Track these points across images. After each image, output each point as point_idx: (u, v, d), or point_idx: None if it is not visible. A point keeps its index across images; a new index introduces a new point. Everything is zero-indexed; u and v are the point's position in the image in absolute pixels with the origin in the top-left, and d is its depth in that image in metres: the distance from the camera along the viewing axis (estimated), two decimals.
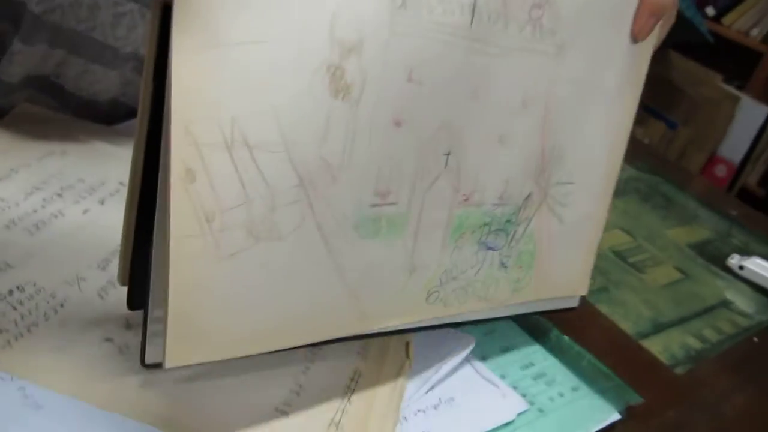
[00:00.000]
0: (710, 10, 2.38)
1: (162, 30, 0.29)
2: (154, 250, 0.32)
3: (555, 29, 0.39)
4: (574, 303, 0.51)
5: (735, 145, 2.28)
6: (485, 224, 0.42)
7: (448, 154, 0.38)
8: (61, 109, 0.59)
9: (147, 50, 0.30)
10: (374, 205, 0.36)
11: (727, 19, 2.34)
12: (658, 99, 2.39)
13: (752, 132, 2.15)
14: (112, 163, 0.54)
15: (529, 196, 0.43)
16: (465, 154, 0.39)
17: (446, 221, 0.40)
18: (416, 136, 0.36)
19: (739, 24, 2.33)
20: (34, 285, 0.40)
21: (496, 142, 0.40)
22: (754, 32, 2.28)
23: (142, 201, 0.34)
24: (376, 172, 0.35)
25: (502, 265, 0.44)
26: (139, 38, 0.55)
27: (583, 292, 0.51)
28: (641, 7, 0.41)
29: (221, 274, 0.32)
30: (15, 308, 0.38)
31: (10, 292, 0.39)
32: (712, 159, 2.37)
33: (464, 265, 0.42)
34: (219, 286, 0.32)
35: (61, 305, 0.39)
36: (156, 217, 0.31)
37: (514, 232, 0.44)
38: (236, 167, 0.31)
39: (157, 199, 0.31)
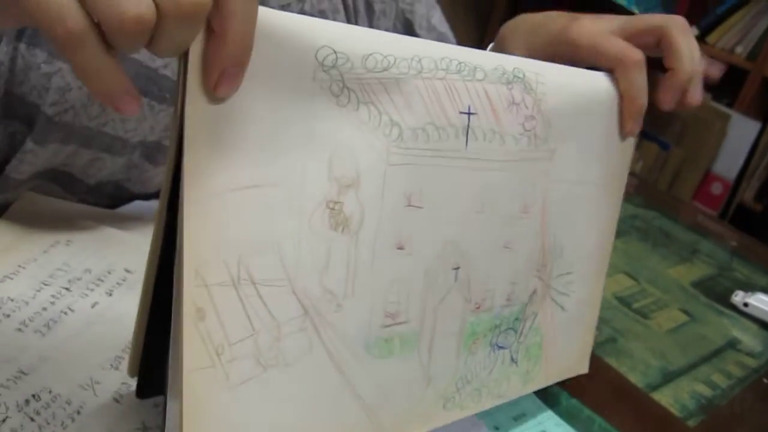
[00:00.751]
0: (694, 31, 2.41)
1: (176, 171, 0.31)
2: (169, 380, 0.33)
3: (547, 137, 0.42)
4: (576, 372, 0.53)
5: (729, 162, 2.30)
6: (495, 326, 0.44)
7: (457, 268, 0.40)
8: (66, 196, 0.60)
9: (162, 187, 0.32)
10: (385, 326, 0.37)
11: (711, 38, 2.38)
12: (650, 121, 2.40)
13: (745, 148, 2.17)
14: (117, 248, 0.55)
15: (534, 292, 0.45)
16: (474, 266, 0.40)
17: (459, 331, 0.42)
18: (421, 257, 0.38)
19: (723, 42, 2.36)
20: (50, 392, 0.40)
21: (501, 248, 0.42)
22: (739, 49, 2.32)
23: (154, 298, 0.36)
24: (383, 295, 0.37)
25: (513, 360, 0.46)
26: (147, 128, 0.56)
27: (584, 370, 0.53)
28: (624, 115, 0.44)
29: (232, 402, 0.33)
30: (33, 419, 0.38)
31: (27, 402, 0.39)
32: (707, 177, 2.38)
33: (478, 369, 0.44)
34: (230, 414, 0.33)
35: (78, 412, 0.39)
36: (171, 347, 0.33)
37: (522, 327, 0.46)
38: (242, 303, 0.32)
39: (171, 332, 0.32)
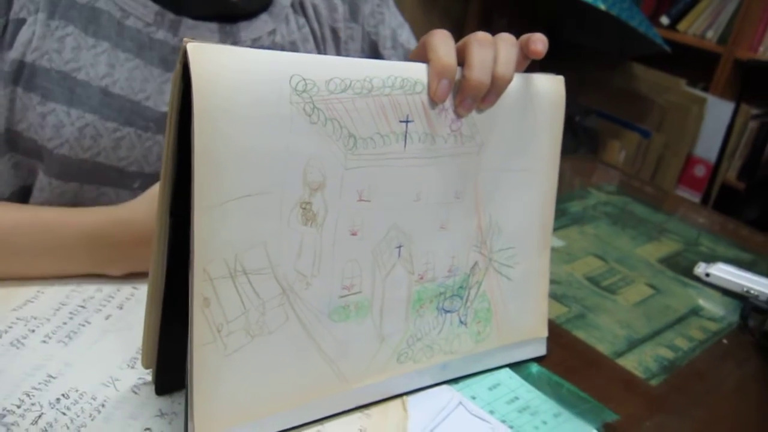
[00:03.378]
0: (664, 19, 2.48)
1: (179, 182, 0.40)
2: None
3: (473, 134, 0.50)
4: (542, 351, 0.61)
5: (709, 144, 2.36)
6: (440, 294, 0.52)
7: (399, 246, 0.48)
8: None
9: (160, 198, 0.41)
10: (342, 296, 0.46)
11: (681, 26, 2.45)
12: (629, 111, 2.48)
13: (722, 129, 2.23)
14: None
15: (475, 264, 0.53)
16: (414, 244, 0.49)
17: (406, 298, 0.50)
18: (370, 240, 0.46)
19: (693, 28, 2.43)
20: (77, 391, 0.46)
21: (438, 229, 0.50)
22: (709, 34, 2.38)
23: (165, 302, 0.45)
24: (341, 273, 0.46)
25: (461, 322, 0.54)
26: (139, 156, 0.63)
27: (544, 334, 0.60)
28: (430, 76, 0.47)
29: (229, 366, 0.42)
30: (64, 413, 0.44)
31: (58, 400, 0.45)
32: (690, 161, 2.44)
33: (426, 328, 0.52)
34: (228, 375, 0.42)
35: (103, 405, 0.46)
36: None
37: (468, 294, 0.53)
38: (237, 290, 0.41)
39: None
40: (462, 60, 0.48)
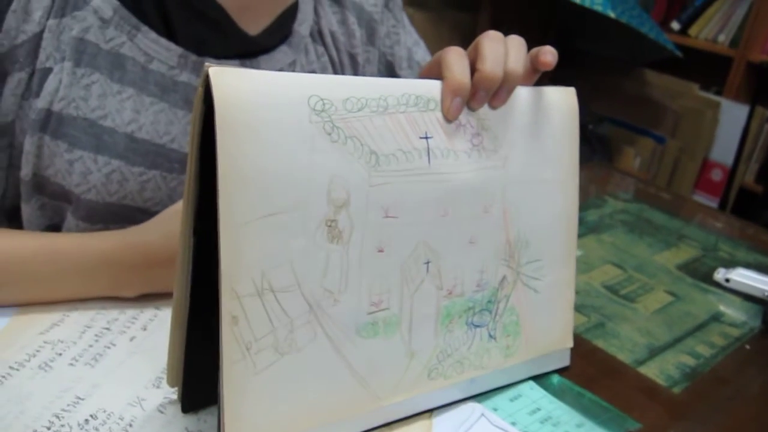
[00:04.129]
0: (675, 25, 2.48)
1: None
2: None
3: (496, 148, 0.50)
4: (566, 362, 0.61)
5: (725, 147, 2.35)
6: (469, 308, 0.52)
7: (428, 262, 0.48)
8: None
9: (183, 219, 0.42)
10: (370, 313, 0.46)
11: (692, 30, 2.44)
12: (643, 117, 2.48)
13: (738, 132, 2.22)
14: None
15: (503, 278, 0.53)
16: (442, 260, 0.49)
17: (435, 313, 0.50)
18: (398, 256, 0.47)
19: (705, 33, 2.42)
20: (104, 411, 0.47)
21: (467, 244, 0.50)
22: (721, 38, 2.38)
23: (190, 321, 0.45)
24: (368, 289, 0.46)
25: (491, 337, 0.54)
26: (165, 197, 0.64)
27: (569, 344, 0.60)
28: (444, 93, 0.48)
29: (259, 384, 0.43)
30: None
31: (86, 421, 0.46)
32: (706, 165, 2.43)
33: (457, 344, 0.52)
34: (258, 392, 0.43)
35: (130, 425, 0.46)
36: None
37: (496, 308, 0.53)
38: (265, 308, 0.41)
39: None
40: (474, 61, 0.49)
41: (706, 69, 2.38)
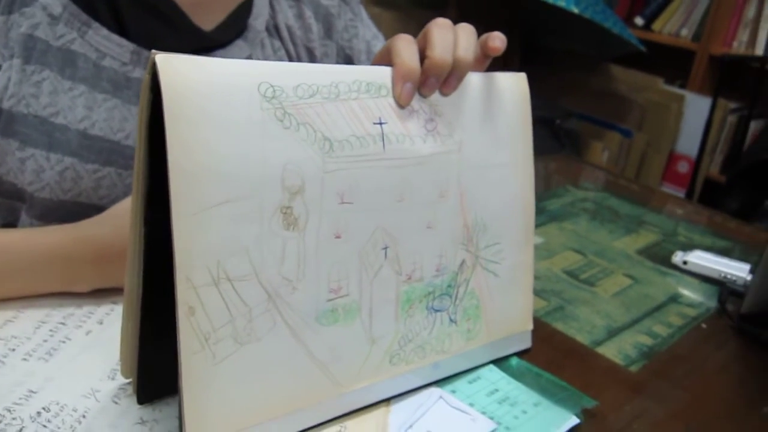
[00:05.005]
0: (639, 20, 2.52)
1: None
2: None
3: (450, 133, 0.51)
4: (528, 344, 0.61)
5: (690, 140, 2.39)
6: (429, 293, 0.52)
7: (386, 248, 0.48)
8: None
9: (133, 207, 0.42)
10: (330, 300, 0.46)
11: (656, 25, 2.48)
12: (609, 112, 2.51)
13: (702, 125, 2.25)
14: None
15: (462, 262, 0.54)
16: (400, 245, 0.49)
17: (395, 299, 0.50)
18: (355, 242, 0.47)
19: (668, 28, 2.47)
20: (57, 404, 0.47)
21: (424, 228, 0.50)
22: (684, 32, 2.42)
23: (143, 311, 0.45)
24: (327, 276, 0.46)
25: (452, 321, 0.54)
26: (120, 194, 0.64)
27: (529, 326, 0.61)
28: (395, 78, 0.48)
29: (218, 375, 0.42)
30: (45, 426, 0.45)
31: (38, 413, 0.46)
32: (672, 158, 2.47)
33: (417, 329, 0.52)
34: (219, 383, 0.42)
35: (83, 416, 0.46)
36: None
37: (456, 293, 0.54)
38: (222, 297, 0.41)
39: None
40: (424, 49, 0.49)
41: (670, 63, 2.42)
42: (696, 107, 2.35)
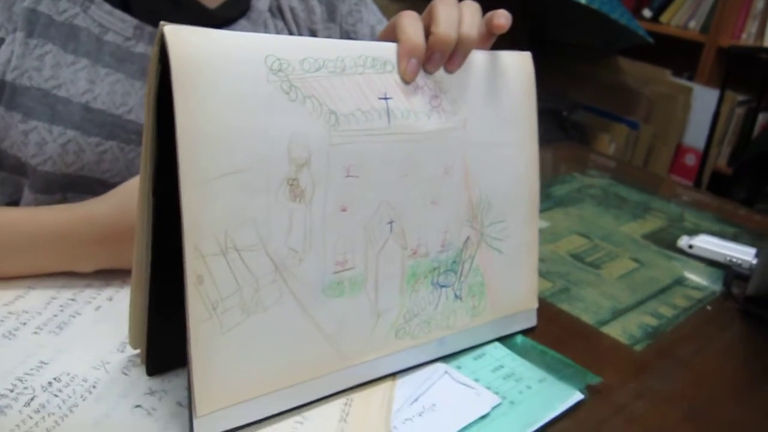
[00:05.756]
0: (647, 12, 2.51)
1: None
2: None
3: (455, 110, 0.51)
4: (533, 322, 0.62)
5: (697, 132, 2.38)
6: (434, 269, 0.52)
7: (391, 222, 0.49)
8: None
9: (141, 179, 0.42)
10: (336, 272, 0.47)
11: (664, 17, 2.48)
12: (616, 104, 2.50)
13: (710, 117, 2.25)
14: None
15: (467, 239, 0.54)
16: (406, 220, 0.49)
17: (400, 273, 0.50)
18: (361, 216, 0.47)
19: (676, 20, 2.46)
20: (68, 374, 0.47)
21: (429, 204, 0.51)
22: (692, 24, 2.41)
23: (151, 283, 0.45)
24: (333, 248, 0.46)
25: (457, 297, 0.55)
26: (123, 168, 0.64)
27: (534, 305, 0.61)
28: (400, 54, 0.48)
29: (226, 343, 0.43)
30: (56, 395, 0.45)
31: (50, 383, 0.46)
32: (680, 150, 2.46)
33: (423, 303, 0.52)
34: (227, 352, 0.43)
35: (94, 386, 0.47)
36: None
37: (461, 269, 0.54)
38: (230, 266, 0.42)
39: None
40: (429, 25, 0.50)
41: (678, 55, 2.41)
42: (703, 99, 2.34)
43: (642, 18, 2.47)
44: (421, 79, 0.49)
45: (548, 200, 0.94)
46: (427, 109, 0.49)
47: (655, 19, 2.48)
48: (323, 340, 0.47)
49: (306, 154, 0.44)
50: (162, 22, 0.39)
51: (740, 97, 2.33)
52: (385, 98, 0.47)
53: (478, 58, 0.53)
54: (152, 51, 0.40)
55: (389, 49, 0.48)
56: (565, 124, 2.27)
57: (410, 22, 0.50)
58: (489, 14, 0.53)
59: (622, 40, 2.33)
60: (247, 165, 0.41)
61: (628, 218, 0.91)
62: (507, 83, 0.55)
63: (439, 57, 0.49)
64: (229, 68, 0.41)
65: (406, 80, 0.48)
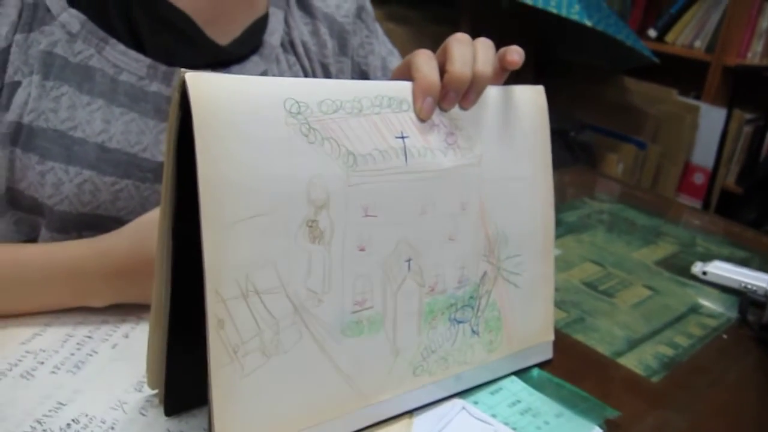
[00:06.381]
0: (652, 32, 2.52)
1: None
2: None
3: (471, 146, 0.51)
4: (549, 355, 0.61)
5: (705, 151, 2.38)
6: (452, 305, 0.53)
7: (409, 260, 0.49)
8: None
9: (160, 223, 0.42)
10: (355, 312, 0.47)
11: (669, 37, 2.49)
12: (623, 124, 2.51)
13: (717, 136, 2.25)
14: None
15: (484, 274, 0.54)
16: (423, 257, 0.50)
17: (418, 310, 0.50)
18: (379, 255, 0.47)
19: (681, 39, 2.47)
20: (86, 415, 0.48)
21: (446, 240, 0.51)
22: (697, 44, 2.42)
23: (171, 324, 0.45)
24: (351, 288, 0.46)
25: (474, 332, 0.54)
26: (137, 206, 0.65)
27: (550, 337, 0.61)
28: (415, 93, 0.49)
29: (247, 386, 0.43)
30: None
31: (68, 425, 0.47)
32: (688, 169, 2.46)
33: (440, 340, 0.52)
34: (247, 395, 0.43)
35: (112, 428, 0.47)
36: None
37: (478, 304, 0.54)
38: (250, 310, 0.42)
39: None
40: (443, 63, 0.50)
41: (684, 74, 2.42)
42: (711, 118, 2.34)
43: (647, 38, 2.48)
44: (437, 116, 0.50)
45: (559, 227, 0.94)
46: (443, 147, 0.50)
47: (660, 38, 2.49)
48: (342, 380, 0.47)
49: (325, 196, 0.44)
50: (182, 69, 0.40)
51: (748, 116, 2.33)
52: (402, 137, 0.48)
53: (492, 93, 0.53)
54: (173, 97, 0.41)
55: (405, 88, 0.49)
56: (572, 145, 2.27)
57: (425, 60, 0.50)
58: (502, 50, 0.53)
59: (629, 60, 2.34)
60: (268, 208, 0.42)
61: (639, 244, 0.91)
62: (520, 118, 0.55)
63: (455, 95, 0.50)
64: (248, 113, 0.41)
65: (422, 119, 0.49)
